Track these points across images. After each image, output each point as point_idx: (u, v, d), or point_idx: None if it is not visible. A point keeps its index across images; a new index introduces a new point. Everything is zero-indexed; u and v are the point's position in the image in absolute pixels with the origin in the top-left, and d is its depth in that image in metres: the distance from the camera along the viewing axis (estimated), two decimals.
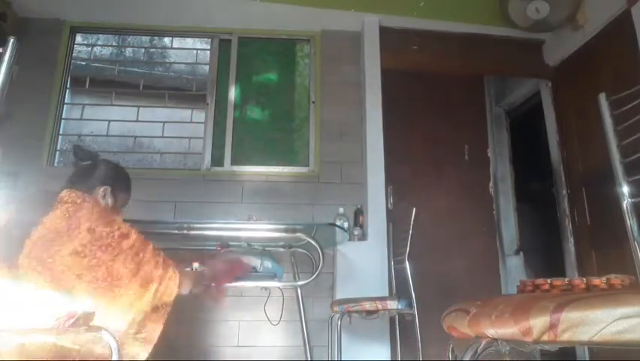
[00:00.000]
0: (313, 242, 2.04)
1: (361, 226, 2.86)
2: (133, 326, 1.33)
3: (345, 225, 2.75)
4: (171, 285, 1.39)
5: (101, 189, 1.54)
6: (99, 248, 1.27)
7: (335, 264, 2.77)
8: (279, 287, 2.58)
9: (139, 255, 1.33)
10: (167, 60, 3.62)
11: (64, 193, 1.38)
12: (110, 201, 1.56)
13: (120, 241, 1.32)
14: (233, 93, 3.26)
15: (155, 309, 1.38)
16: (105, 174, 1.58)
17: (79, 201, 1.36)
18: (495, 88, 3.80)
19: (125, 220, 1.42)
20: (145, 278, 1.32)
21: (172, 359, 2.63)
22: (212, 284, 1.69)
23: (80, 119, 3.21)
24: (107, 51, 3.62)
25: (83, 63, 3.42)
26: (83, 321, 1.25)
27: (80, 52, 3.39)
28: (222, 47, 3.35)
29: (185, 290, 1.48)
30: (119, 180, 1.65)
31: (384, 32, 3.28)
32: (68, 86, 3.20)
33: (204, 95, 3.25)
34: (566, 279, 0.97)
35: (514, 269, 3.40)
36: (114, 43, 3.52)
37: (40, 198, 1.41)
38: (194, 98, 3.32)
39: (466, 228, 3.14)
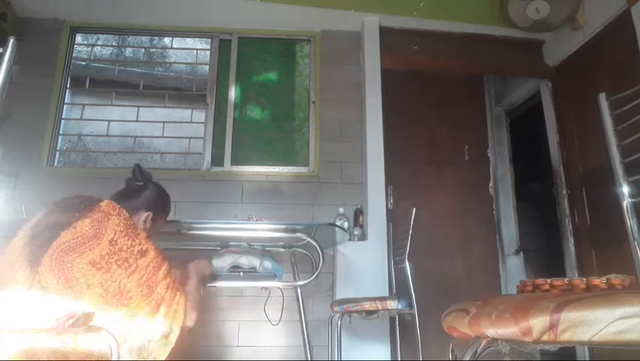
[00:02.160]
0: (313, 242, 2.04)
1: (361, 226, 2.86)
2: (138, 348, 1.31)
3: (345, 225, 2.75)
4: (179, 310, 1.40)
5: (144, 215, 1.56)
6: (116, 262, 1.28)
7: (335, 264, 2.77)
8: (279, 287, 2.58)
9: (152, 278, 1.33)
10: (167, 60, 3.61)
11: (105, 204, 1.42)
12: (149, 226, 1.57)
13: (138, 258, 1.32)
14: (233, 93, 3.26)
15: (165, 334, 1.36)
16: (153, 200, 1.60)
17: (114, 213, 1.40)
18: (495, 88, 3.80)
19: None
20: (154, 303, 1.32)
21: (172, 359, 2.63)
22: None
23: (80, 119, 3.21)
24: (107, 51, 3.62)
25: (83, 63, 3.42)
26: (83, 321, 1.25)
27: (79, 52, 3.39)
28: (222, 47, 3.35)
29: (191, 318, 1.49)
30: (164, 207, 1.68)
31: (384, 32, 3.28)
32: (68, 86, 3.20)
33: (204, 95, 3.25)
34: (566, 279, 0.97)
35: (514, 269, 3.40)
36: (114, 43, 3.52)
37: (77, 203, 1.42)
38: (194, 98, 3.32)
39: (466, 228, 3.14)
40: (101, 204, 1.41)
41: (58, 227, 1.31)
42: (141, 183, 1.60)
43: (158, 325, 1.32)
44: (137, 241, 1.35)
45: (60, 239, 1.27)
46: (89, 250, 1.26)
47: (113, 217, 1.36)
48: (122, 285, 1.26)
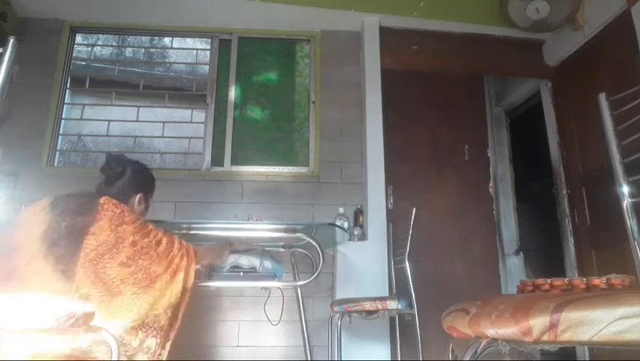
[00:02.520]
0: (313, 242, 2.03)
1: (361, 226, 2.86)
2: (169, 308, 1.52)
3: (345, 225, 2.75)
4: (191, 272, 1.58)
5: (137, 198, 1.68)
6: (140, 257, 1.47)
7: (335, 264, 2.77)
8: (279, 287, 2.58)
9: (169, 255, 1.53)
10: (167, 60, 3.62)
11: (104, 200, 1.52)
12: (143, 206, 1.71)
13: (156, 248, 1.52)
14: (233, 93, 3.26)
15: (183, 292, 1.56)
16: (137, 181, 1.71)
17: (118, 211, 1.51)
18: (495, 88, 3.80)
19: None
20: (174, 272, 1.53)
21: (172, 359, 2.62)
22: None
23: (80, 119, 3.21)
24: (107, 51, 3.62)
25: (83, 63, 3.42)
26: (83, 321, 1.25)
27: (79, 52, 3.39)
28: (222, 47, 3.35)
29: (202, 265, 1.70)
30: (149, 183, 1.79)
31: (384, 32, 3.28)
32: (68, 86, 3.20)
33: (204, 95, 3.25)
34: (566, 279, 0.97)
35: (514, 269, 3.40)
36: (114, 43, 3.52)
37: (77, 202, 1.51)
38: (194, 98, 3.32)
39: (466, 228, 3.14)
40: (100, 201, 1.50)
41: (75, 234, 1.42)
42: (120, 170, 1.68)
43: (176, 286, 1.53)
44: (152, 236, 1.53)
45: (85, 249, 1.40)
46: (116, 255, 1.43)
47: (125, 220, 1.50)
48: (149, 271, 1.47)
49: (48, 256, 1.36)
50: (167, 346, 1.54)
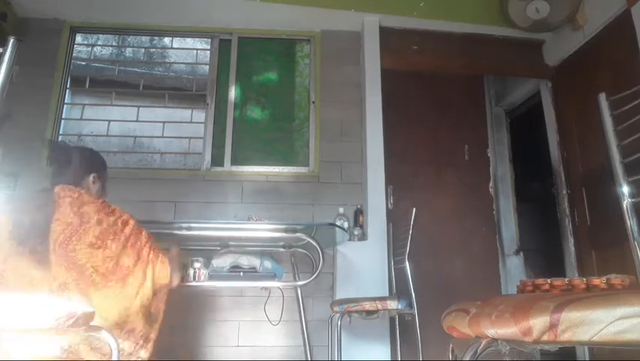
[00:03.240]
0: (313, 242, 2.04)
1: (361, 226, 2.86)
2: (141, 308, 1.50)
3: (345, 225, 2.75)
4: (164, 267, 1.57)
5: (90, 178, 1.69)
6: (108, 237, 1.45)
7: (335, 264, 2.77)
8: (279, 287, 2.58)
9: (137, 242, 1.53)
10: (167, 60, 3.62)
11: (59, 189, 1.54)
12: (98, 185, 1.71)
13: (123, 228, 1.51)
14: (233, 93, 3.26)
15: (155, 291, 1.56)
16: (87, 162, 1.72)
17: (76, 195, 1.52)
18: (495, 88, 3.80)
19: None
20: (144, 265, 1.51)
21: (172, 359, 2.63)
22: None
23: (80, 119, 3.21)
24: (107, 51, 3.62)
25: (83, 63, 3.42)
26: (83, 321, 1.25)
27: (79, 52, 3.39)
28: (222, 46, 3.35)
29: (175, 273, 1.65)
30: (97, 162, 1.79)
31: (384, 32, 3.28)
32: (68, 86, 3.20)
33: (204, 95, 3.25)
34: (566, 279, 0.97)
35: (514, 269, 3.40)
36: (114, 43, 3.52)
37: (35, 198, 1.54)
38: (194, 98, 3.32)
39: (466, 228, 3.14)
40: (56, 190, 1.54)
41: (40, 226, 1.43)
42: (65, 157, 1.69)
43: (149, 282, 1.52)
44: (117, 215, 1.54)
45: (53, 234, 1.40)
46: (83, 236, 1.43)
47: (85, 200, 1.51)
48: (118, 260, 1.45)
49: (20, 251, 1.38)
50: (149, 346, 1.51)
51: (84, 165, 1.70)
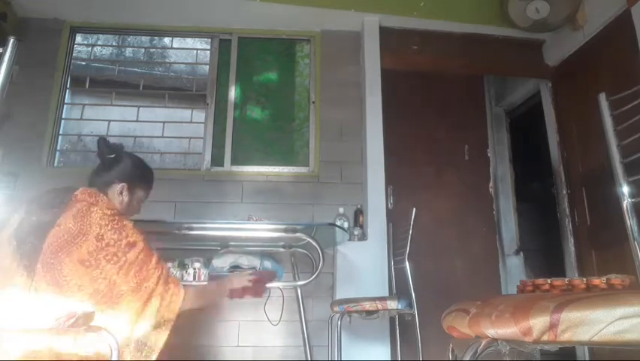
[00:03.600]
0: (313, 242, 2.04)
1: (361, 226, 2.86)
2: (132, 341, 1.31)
3: (345, 225, 2.75)
4: (174, 301, 1.37)
5: (118, 186, 1.51)
6: (104, 257, 1.27)
7: (335, 264, 2.77)
8: (279, 287, 2.58)
9: (142, 270, 1.32)
10: (167, 60, 3.61)
11: (79, 192, 1.40)
12: (126, 198, 1.52)
13: (127, 251, 1.30)
14: (233, 93, 3.26)
15: (157, 325, 1.35)
16: (125, 170, 1.55)
17: (91, 200, 1.38)
18: (495, 88, 3.80)
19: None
20: (146, 296, 1.31)
21: (172, 359, 2.62)
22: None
23: (80, 119, 3.21)
24: (107, 51, 3.62)
25: (83, 63, 3.42)
26: (83, 321, 1.25)
27: (79, 52, 3.39)
28: (222, 46, 3.35)
29: (189, 306, 1.44)
30: (139, 175, 1.60)
31: (384, 32, 3.28)
32: (68, 86, 3.20)
33: (204, 95, 3.25)
34: (566, 279, 0.97)
35: (514, 269, 3.40)
36: (114, 43, 3.52)
37: (53, 197, 1.40)
38: (194, 98, 3.32)
39: (466, 228, 3.14)
40: (76, 193, 1.39)
41: (43, 227, 1.29)
42: (112, 156, 1.55)
43: (149, 317, 1.31)
44: (125, 234, 1.32)
45: (47, 241, 1.26)
46: (75, 249, 1.25)
47: (94, 208, 1.34)
48: (111, 282, 1.25)
49: (16, 252, 1.26)
50: None
51: (118, 171, 1.54)
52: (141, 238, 1.37)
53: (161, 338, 1.37)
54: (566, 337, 0.73)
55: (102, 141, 1.56)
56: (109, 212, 1.36)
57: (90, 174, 1.53)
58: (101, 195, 1.43)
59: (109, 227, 1.31)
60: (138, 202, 1.60)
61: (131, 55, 3.63)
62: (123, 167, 1.55)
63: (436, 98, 3.36)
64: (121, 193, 1.51)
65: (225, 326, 2.75)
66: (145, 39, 3.47)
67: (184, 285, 1.44)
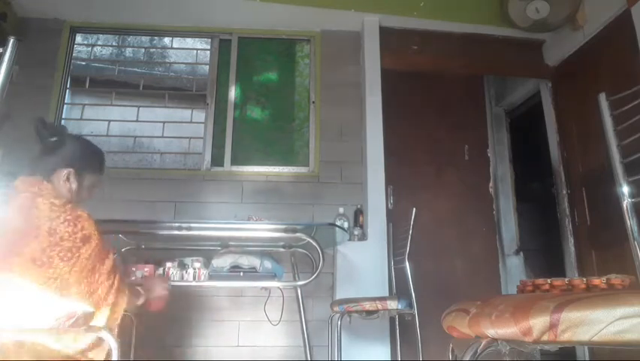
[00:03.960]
0: (313, 242, 2.03)
1: (361, 226, 2.86)
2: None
3: (345, 225, 2.75)
4: (120, 304, 1.27)
5: (64, 173, 1.36)
6: (58, 254, 1.15)
7: (335, 264, 2.77)
8: (279, 287, 2.58)
9: (94, 272, 1.20)
10: (167, 60, 3.61)
11: (19, 181, 1.28)
12: (74, 185, 1.38)
13: (81, 246, 1.19)
14: (233, 93, 3.26)
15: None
16: (71, 154, 1.40)
17: (34, 189, 1.25)
18: (495, 88, 3.80)
19: (124, 221, 1.37)
20: (97, 301, 1.22)
21: (172, 358, 2.63)
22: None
23: (80, 119, 3.21)
24: (107, 51, 3.62)
25: (83, 63, 3.42)
26: (83, 321, 1.25)
27: (79, 52, 3.39)
28: (222, 46, 3.35)
29: (130, 308, 1.37)
30: (87, 159, 1.46)
31: (384, 32, 3.28)
32: (68, 86, 3.19)
33: (204, 95, 3.25)
34: (566, 279, 0.97)
35: (514, 269, 3.40)
36: (114, 43, 3.52)
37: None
38: (194, 98, 3.32)
39: (466, 228, 3.14)
40: (16, 182, 1.27)
41: None
42: (54, 139, 1.39)
43: (101, 321, 1.24)
44: (79, 227, 1.21)
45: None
46: (26, 247, 1.13)
47: (40, 199, 1.23)
48: (63, 281, 1.15)
49: None
50: None
51: (62, 155, 1.38)
52: (96, 233, 1.25)
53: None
54: (566, 337, 0.73)
55: (40, 122, 1.39)
56: (57, 202, 1.24)
57: (29, 161, 1.38)
58: (45, 183, 1.29)
59: (61, 219, 1.19)
60: (89, 189, 1.45)
61: (131, 55, 3.63)
62: (68, 150, 1.40)
63: (436, 98, 3.36)
64: (67, 180, 1.36)
65: (225, 326, 2.75)
66: (145, 39, 3.47)
67: (180, 285, 1.40)
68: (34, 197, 1.24)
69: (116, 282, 1.26)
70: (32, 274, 1.12)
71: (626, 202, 1.39)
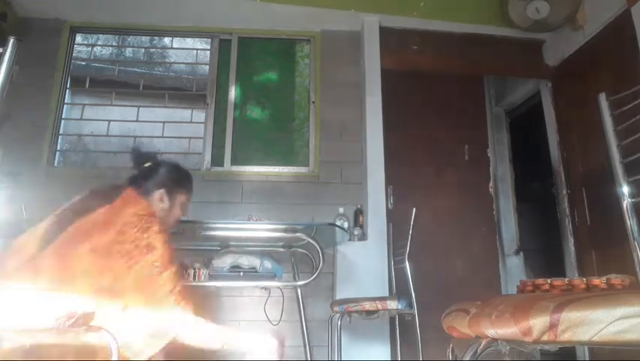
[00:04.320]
0: (313, 242, 2.04)
1: (361, 226, 2.86)
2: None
3: (345, 225, 2.75)
4: (175, 318, 1.31)
5: (158, 193, 1.51)
6: (118, 252, 1.21)
7: (335, 264, 2.77)
8: (279, 287, 2.58)
9: (154, 276, 1.24)
10: (167, 60, 3.61)
11: (127, 192, 1.39)
12: (166, 205, 1.53)
13: (143, 253, 1.24)
14: (233, 93, 3.26)
15: (152, 334, 1.28)
16: (163, 177, 1.56)
17: (131, 200, 1.35)
18: (495, 88, 3.80)
19: None
20: (149, 301, 1.24)
21: (172, 358, 2.62)
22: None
23: (80, 119, 3.21)
24: (107, 51, 3.62)
25: (83, 63, 3.42)
26: (83, 321, 1.25)
27: (79, 52, 3.39)
28: (222, 46, 3.35)
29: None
30: (177, 179, 1.62)
31: (384, 32, 3.28)
32: (68, 86, 3.20)
33: (204, 95, 3.25)
34: (566, 279, 0.97)
35: (514, 269, 3.40)
36: (114, 43, 3.52)
37: (108, 191, 1.39)
38: (194, 98, 3.32)
39: (466, 228, 3.14)
40: (125, 192, 1.38)
41: (78, 214, 1.30)
42: (148, 165, 1.57)
43: (146, 321, 1.24)
44: (147, 235, 1.26)
45: (74, 225, 1.26)
46: (93, 237, 1.22)
47: (130, 207, 1.32)
48: (117, 279, 1.19)
49: (44, 234, 1.26)
50: None
51: (158, 178, 1.55)
52: (164, 247, 1.29)
53: (150, 347, 1.28)
54: (566, 337, 0.73)
55: (136, 152, 1.59)
56: (142, 213, 1.32)
57: (128, 181, 1.52)
58: (144, 202, 1.41)
59: (134, 225, 1.27)
60: (181, 206, 1.62)
61: (131, 55, 3.63)
62: (162, 174, 1.57)
63: (436, 98, 3.36)
64: (161, 200, 1.52)
65: (225, 326, 2.74)
66: (145, 39, 3.47)
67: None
68: (125, 204, 1.33)
69: (177, 289, 1.30)
70: (87, 262, 1.19)
71: (626, 202, 1.40)
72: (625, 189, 1.41)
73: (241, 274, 2.12)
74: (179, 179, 1.64)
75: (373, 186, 2.94)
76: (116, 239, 1.23)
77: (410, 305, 2.14)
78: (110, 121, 3.18)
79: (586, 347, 2.68)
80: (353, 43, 3.33)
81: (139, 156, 1.59)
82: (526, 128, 3.76)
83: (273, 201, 2.99)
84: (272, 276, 2.15)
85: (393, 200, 3.04)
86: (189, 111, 3.28)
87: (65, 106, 3.15)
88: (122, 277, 1.20)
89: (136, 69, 3.56)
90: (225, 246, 2.38)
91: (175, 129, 3.21)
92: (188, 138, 3.19)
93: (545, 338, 0.74)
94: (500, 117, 3.78)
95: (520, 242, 3.51)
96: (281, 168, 3.12)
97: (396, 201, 3.04)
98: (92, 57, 3.48)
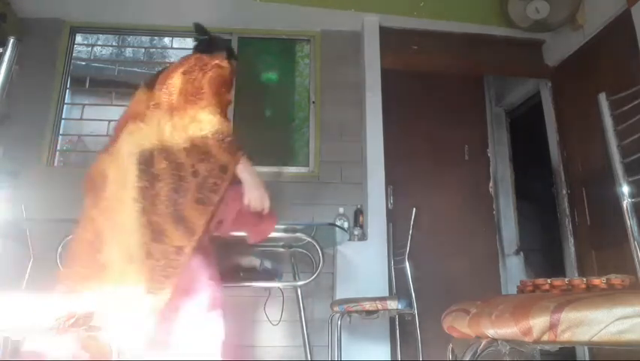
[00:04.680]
0: (313, 242, 2.04)
1: (361, 226, 2.86)
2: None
3: (345, 225, 2.75)
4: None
5: (223, 55, 1.84)
6: (200, 69, 1.66)
7: (335, 264, 2.77)
8: (279, 287, 2.58)
9: (219, 93, 1.68)
10: (167, 60, 3.61)
11: (193, 58, 1.74)
12: (228, 65, 1.79)
13: (213, 71, 1.67)
14: (232, 93, 3.25)
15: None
16: (222, 45, 2.06)
17: (205, 62, 1.69)
18: (495, 88, 3.80)
19: None
20: (214, 110, 1.63)
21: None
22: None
23: (80, 119, 3.21)
24: (107, 51, 3.62)
25: (83, 63, 3.42)
26: (83, 321, 1.25)
27: (79, 52, 3.39)
28: None
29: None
30: (230, 49, 2.09)
31: (384, 32, 3.28)
32: (68, 86, 3.19)
33: None
34: (566, 279, 0.97)
35: (514, 269, 3.40)
36: (114, 43, 3.52)
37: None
38: None
39: (466, 228, 3.14)
40: (189, 60, 1.73)
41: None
42: (206, 37, 1.99)
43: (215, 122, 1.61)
44: (216, 65, 1.69)
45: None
46: (182, 66, 1.69)
47: (208, 70, 1.69)
48: (197, 83, 1.63)
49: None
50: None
51: (218, 45, 2.04)
52: (231, 79, 1.82)
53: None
54: (566, 337, 0.73)
55: (198, 25, 2.08)
56: (222, 72, 1.73)
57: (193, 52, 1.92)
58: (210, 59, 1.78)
59: (209, 66, 1.69)
60: (234, 73, 1.95)
61: (131, 55, 3.63)
62: (219, 42, 2.14)
63: (436, 98, 3.36)
64: (225, 59, 1.84)
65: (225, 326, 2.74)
66: (145, 39, 3.47)
67: None
68: (205, 69, 1.71)
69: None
70: (180, 80, 1.66)
71: (626, 202, 1.39)
72: (625, 189, 1.41)
73: (241, 274, 2.12)
74: (230, 47, 2.17)
75: (373, 186, 2.94)
76: (195, 63, 1.69)
77: (410, 305, 2.14)
78: (110, 121, 3.17)
79: (586, 347, 2.68)
80: (353, 43, 3.32)
81: (200, 28, 2.01)
82: (526, 128, 3.76)
83: (272, 201, 2.98)
84: (272, 276, 2.15)
85: (393, 200, 3.04)
86: None
87: (65, 106, 3.15)
88: (200, 83, 1.65)
89: (136, 69, 3.56)
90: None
91: None
92: None
93: (545, 338, 0.74)
94: (500, 117, 3.78)
95: (520, 242, 3.51)
96: (281, 168, 3.12)
97: (396, 201, 3.04)
98: (91, 57, 3.48)
